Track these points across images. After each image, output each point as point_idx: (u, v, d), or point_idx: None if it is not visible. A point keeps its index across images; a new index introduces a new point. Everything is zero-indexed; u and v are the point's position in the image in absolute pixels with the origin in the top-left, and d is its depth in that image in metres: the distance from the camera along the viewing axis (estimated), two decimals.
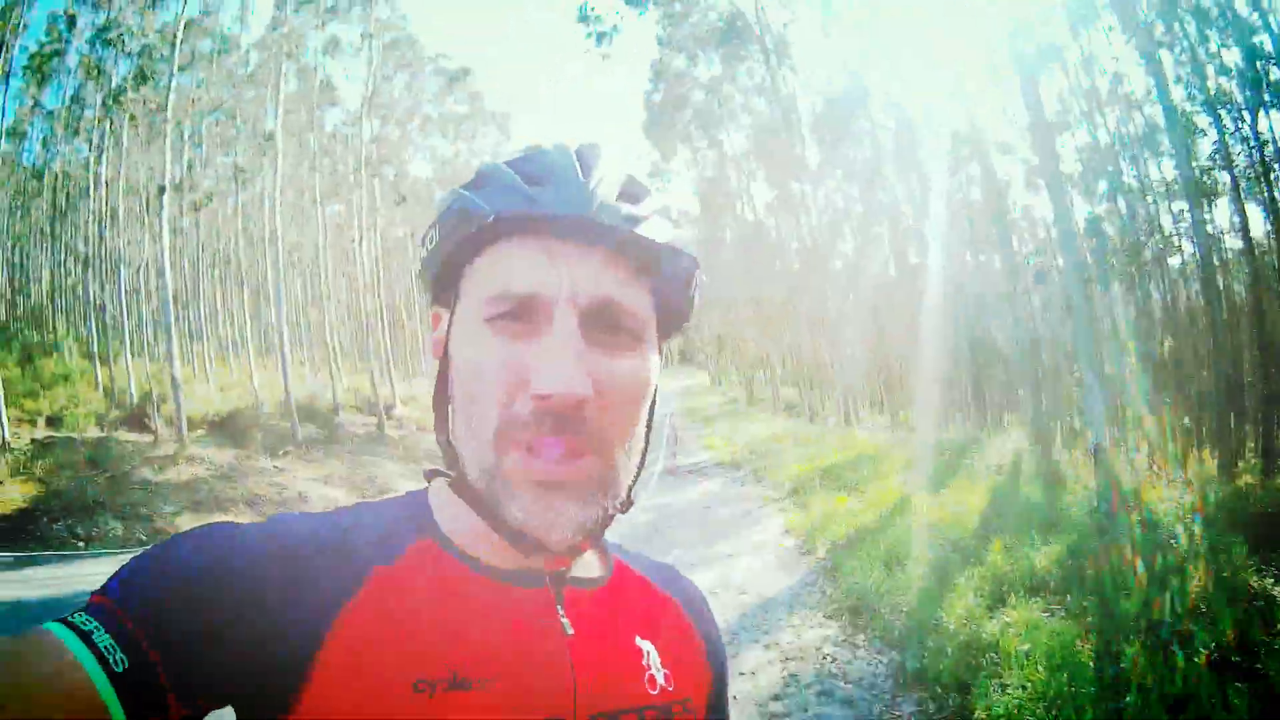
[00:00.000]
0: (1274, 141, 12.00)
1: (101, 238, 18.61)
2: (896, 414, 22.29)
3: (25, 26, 18.59)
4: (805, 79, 22.16)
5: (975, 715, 3.46)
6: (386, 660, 0.47)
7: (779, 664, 4.44)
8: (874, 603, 4.98)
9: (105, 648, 0.42)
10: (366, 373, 21.04)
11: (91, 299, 18.48)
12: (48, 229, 24.05)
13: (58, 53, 20.92)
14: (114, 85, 17.80)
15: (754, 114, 26.55)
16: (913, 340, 24.22)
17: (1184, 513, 5.87)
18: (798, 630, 4.91)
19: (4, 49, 17.26)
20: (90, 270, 18.97)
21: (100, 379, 16.61)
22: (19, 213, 24.58)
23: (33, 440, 12.70)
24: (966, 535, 6.05)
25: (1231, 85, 12.30)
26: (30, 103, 22.02)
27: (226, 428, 15.42)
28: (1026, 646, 3.80)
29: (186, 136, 18.79)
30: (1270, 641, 3.57)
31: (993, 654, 3.86)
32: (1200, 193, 13.05)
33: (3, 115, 17.90)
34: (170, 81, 15.47)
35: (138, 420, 14.87)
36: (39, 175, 23.55)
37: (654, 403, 0.59)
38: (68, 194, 22.99)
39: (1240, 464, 9.54)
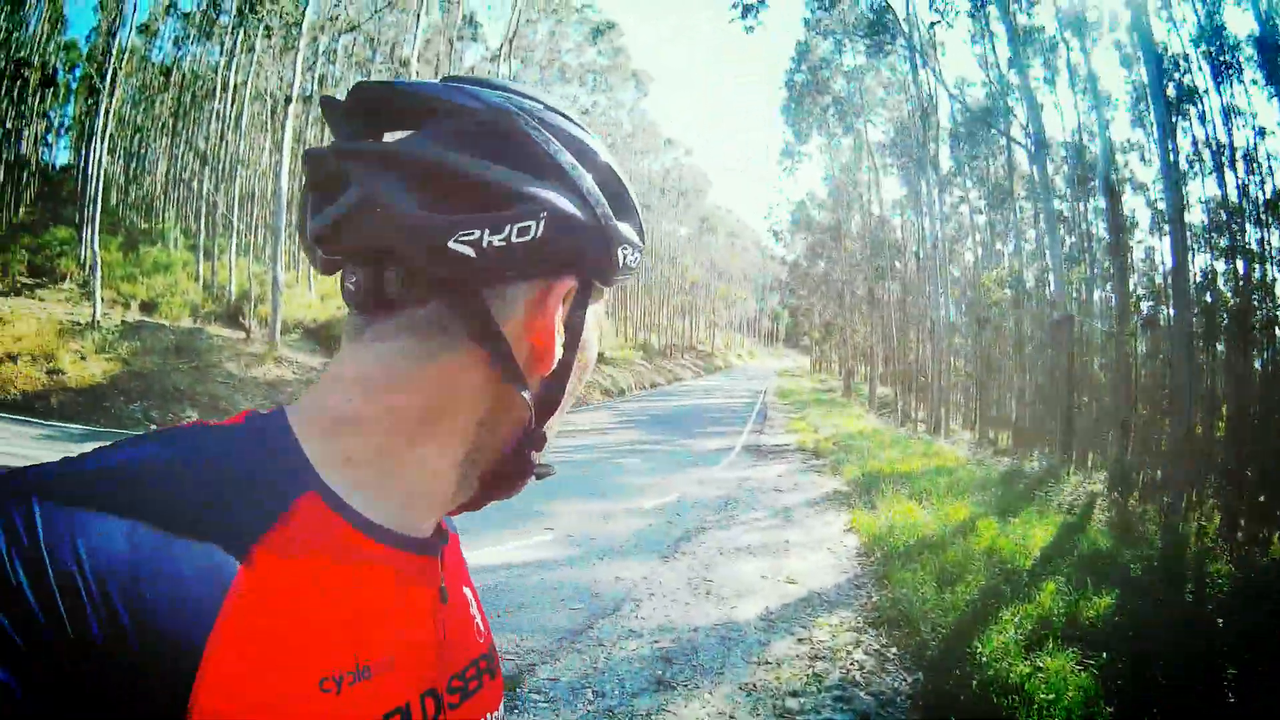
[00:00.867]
0: None
1: (223, 138, 19.23)
2: (986, 432, 21.78)
3: None
4: (949, 79, 21.45)
5: None
6: (286, 658, 0.40)
7: (806, 660, 4.55)
8: (916, 618, 4.99)
9: None
10: None
11: (205, 195, 19.05)
12: (169, 125, 24.60)
13: None
14: None
15: (891, 109, 25.90)
16: (1015, 363, 23.57)
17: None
18: (834, 631, 4.99)
19: None
20: (208, 168, 19.61)
21: (201, 273, 17.13)
22: (143, 105, 25.02)
23: (123, 321, 12.90)
24: (1022, 569, 5.96)
25: None
26: (166, 2, 22.47)
27: (320, 334, 15.68)
28: (1051, 697, 3.79)
29: (320, 52, 19.22)
30: None
31: (1016, 696, 3.87)
32: None
33: (135, 10, 18.11)
34: None
35: (233, 317, 15.28)
36: (166, 72, 23.85)
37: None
38: (194, 94, 23.41)
39: None
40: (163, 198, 24.60)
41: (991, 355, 23.47)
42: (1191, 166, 15.21)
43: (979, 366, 23.85)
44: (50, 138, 22.72)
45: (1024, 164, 21.03)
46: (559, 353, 0.51)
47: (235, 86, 19.14)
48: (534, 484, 0.56)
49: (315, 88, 19.39)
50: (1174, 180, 8.59)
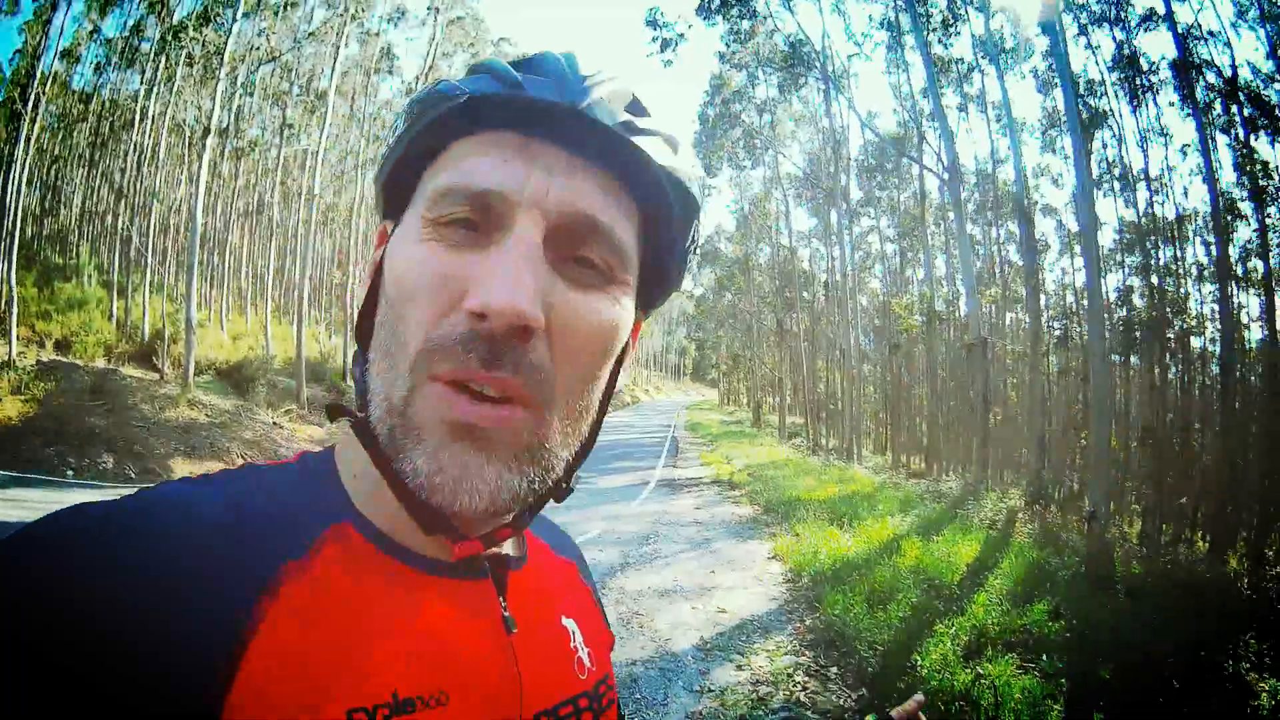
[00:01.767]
0: None
1: (139, 170, 18.65)
2: (899, 456, 22.31)
3: None
4: (861, 110, 22.32)
5: None
6: (313, 688, 0.38)
7: (749, 686, 4.45)
8: (852, 638, 4.98)
9: None
10: None
11: (120, 229, 18.44)
12: (86, 155, 23.97)
13: None
14: (176, 21, 17.84)
15: (803, 141, 26.77)
16: (927, 387, 24.36)
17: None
18: (772, 656, 4.91)
19: None
20: (122, 201, 18.96)
21: (115, 310, 16.55)
22: (60, 134, 24.35)
23: (38, 361, 12.53)
24: (952, 583, 6.05)
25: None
26: (90, 27, 21.89)
27: (232, 376, 15.37)
28: (996, 701, 3.81)
29: (239, 83, 18.86)
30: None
31: (963, 703, 3.87)
32: (1232, 278, 13.03)
33: (60, 35, 17.53)
34: (232, 26, 15.48)
35: (146, 357, 14.81)
36: (86, 100, 23.38)
37: (618, 370, 0.49)
38: (112, 124, 22.90)
39: (1230, 552, 9.51)
40: (76, 232, 23.77)
41: (903, 380, 24.30)
42: (1102, 186, 16.22)
43: (892, 391, 24.63)
44: None
45: (935, 191, 22.09)
46: None
47: (154, 116, 18.54)
48: None
49: (232, 121, 18.97)
50: (1089, 201, 9.05)
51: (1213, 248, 14.35)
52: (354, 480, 0.46)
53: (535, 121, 0.42)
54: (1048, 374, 19.08)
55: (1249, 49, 36.58)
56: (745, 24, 18.20)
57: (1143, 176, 16.12)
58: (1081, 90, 14.86)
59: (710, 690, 4.31)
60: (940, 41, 16.24)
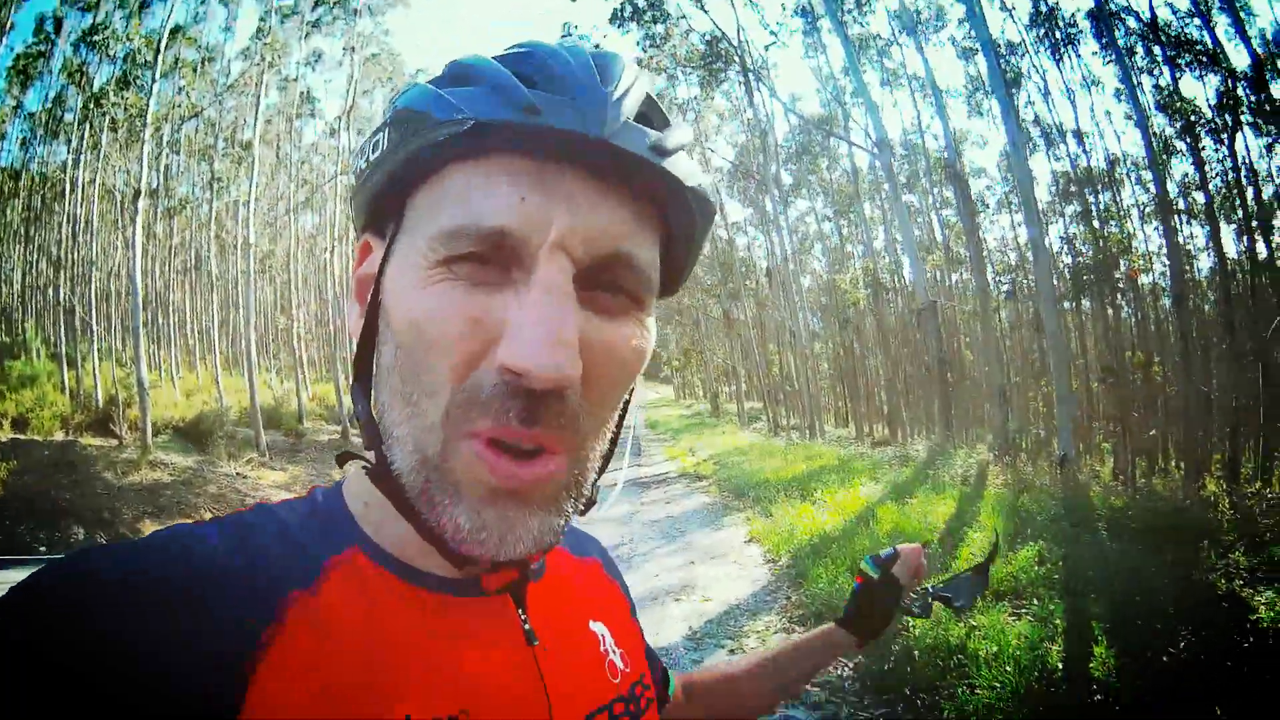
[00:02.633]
0: (1248, 163, 12.29)
1: (75, 240, 18.39)
2: (861, 426, 22.46)
3: (12, 27, 18.44)
4: (784, 95, 22.53)
5: (945, 716, 3.39)
6: (325, 715, 0.37)
7: None
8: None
9: None
10: (333, 381, 20.81)
11: (62, 301, 18.18)
12: (22, 230, 23.73)
13: (42, 55, 20.88)
14: (96, 89, 17.66)
15: (727, 136, 27.03)
16: (880, 357, 24.61)
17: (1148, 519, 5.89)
18: (761, 635, 4.83)
19: None
20: (62, 273, 18.69)
21: (67, 382, 16.30)
22: None
23: None
24: (932, 541, 6.01)
25: (1207, 109, 12.59)
26: (12, 104, 21.82)
27: (190, 433, 15.20)
28: (995, 649, 3.76)
29: (165, 142, 18.63)
30: (1240, 642, 3.55)
31: (960, 656, 3.81)
32: (1175, 213, 13.35)
33: None
34: (152, 87, 15.37)
35: (103, 424, 14.62)
36: (15, 176, 23.26)
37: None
38: (44, 196, 22.75)
39: (1206, 476, 9.64)
40: (20, 309, 23.47)
41: (856, 353, 24.59)
42: (1032, 141, 16.53)
43: (845, 365, 24.86)
44: None
45: (866, 167, 22.38)
46: None
47: (84, 185, 18.24)
48: None
49: (162, 181, 18.67)
50: (1022, 156, 9.18)
51: (1150, 187, 14.69)
52: (364, 508, 0.45)
53: (553, 153, 0.38)
54: (1000, 329, 19.37)
55: None
56: (659, 28, 18.23)
57: (1073, 128, 16.48)
58: (1003, 51, 15.14)
59: None
60: (856, 20, 16.44)
